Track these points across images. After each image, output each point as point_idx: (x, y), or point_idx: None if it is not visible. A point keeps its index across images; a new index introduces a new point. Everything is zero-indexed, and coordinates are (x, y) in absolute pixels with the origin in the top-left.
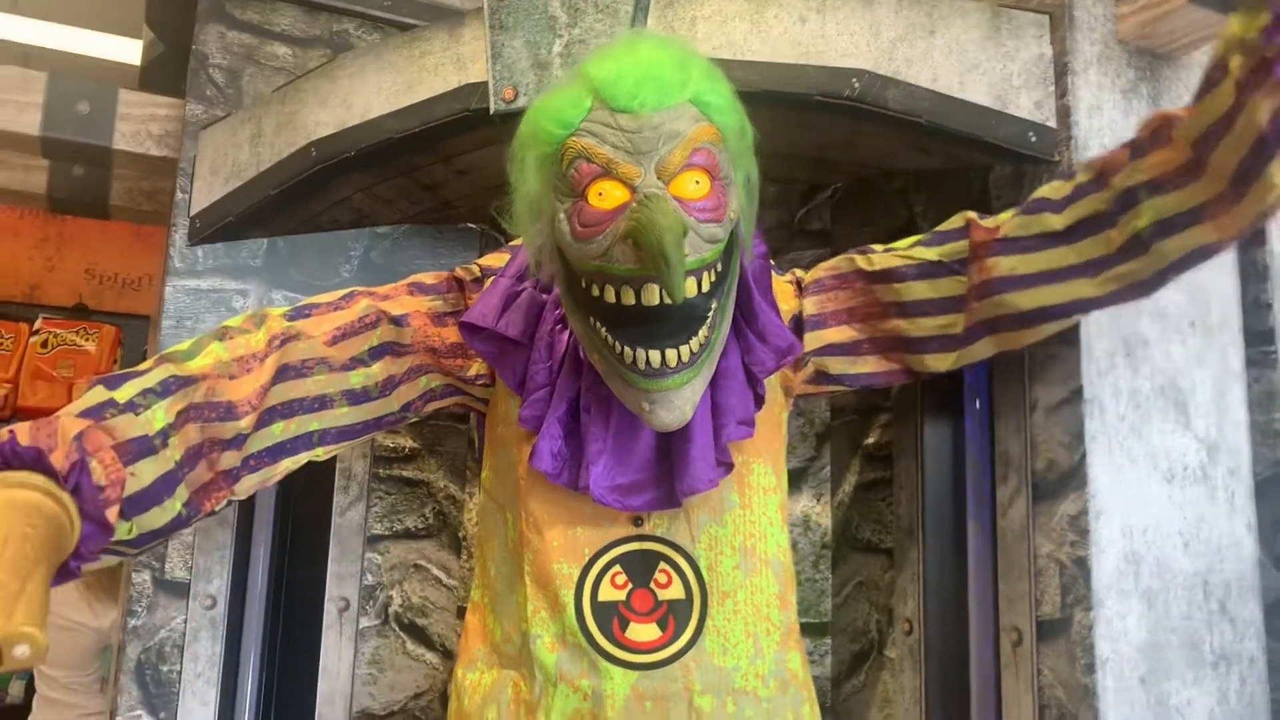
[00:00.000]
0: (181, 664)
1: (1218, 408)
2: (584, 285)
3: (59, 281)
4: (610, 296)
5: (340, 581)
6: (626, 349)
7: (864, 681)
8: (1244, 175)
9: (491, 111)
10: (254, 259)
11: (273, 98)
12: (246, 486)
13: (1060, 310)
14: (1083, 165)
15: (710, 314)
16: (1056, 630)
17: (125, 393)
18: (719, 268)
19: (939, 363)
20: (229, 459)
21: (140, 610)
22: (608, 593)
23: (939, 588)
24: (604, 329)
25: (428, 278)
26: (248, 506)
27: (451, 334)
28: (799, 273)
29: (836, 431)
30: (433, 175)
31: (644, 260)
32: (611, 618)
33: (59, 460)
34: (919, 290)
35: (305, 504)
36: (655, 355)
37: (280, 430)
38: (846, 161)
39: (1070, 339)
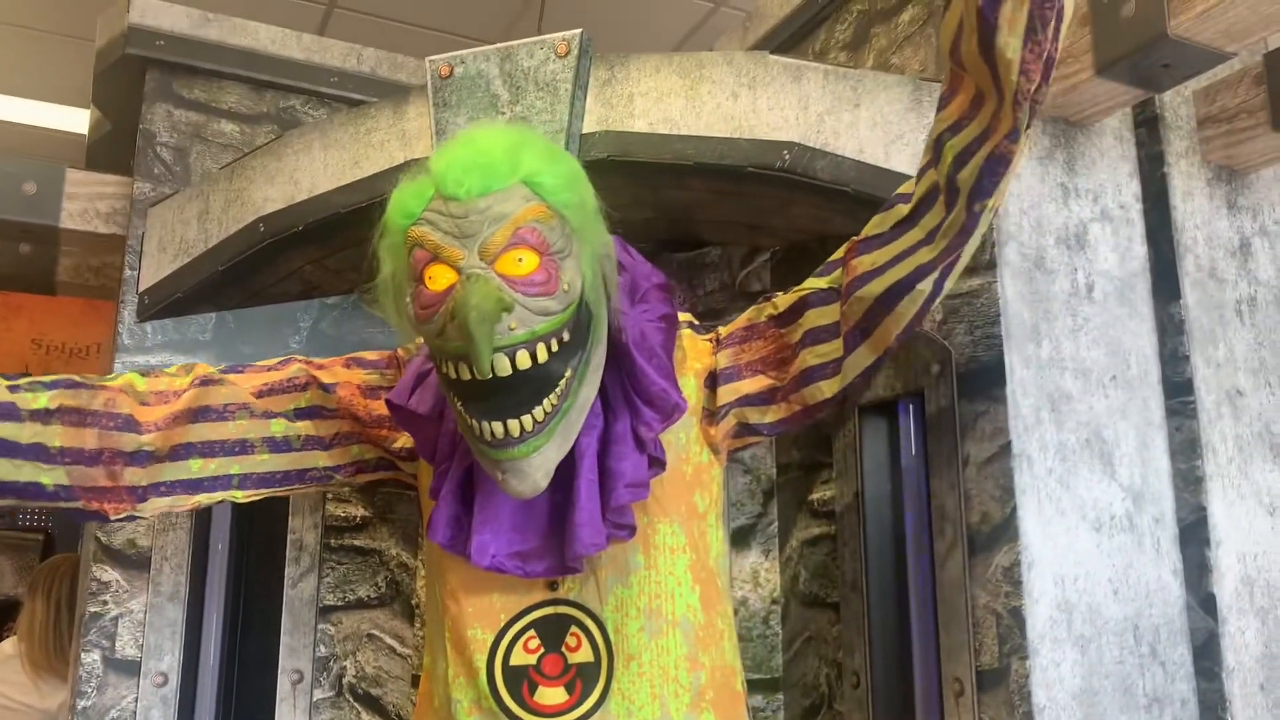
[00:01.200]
0: None
1: (1141, 458)
2: (437, 362)
3: (4, 352)
4: (453, 373)
5: (293, 653)
6: (474, 421)
7: None
8: (992, 71)
9: None
10: (203, 334)
11: (220, 175)
12: (154, 508)
13: (906, 283)
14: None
15: (562, 382)
16: (995, 680)
17: (17, 381)
18: (565, 337)
19: (830, 387)
20: (133, 475)
21: (90, 690)
22: (519, 657)
23: (884, 641)
24: (459, 402)
25: (369, 355)
26: (198, 581)
27: (380, 407)
28: (719, 330)
29: (782, 488)
30: None
31: (459, 337)
32: (522, 682)
33: None
34: (814, 318)
35: (256, 576)
36: (498, 426)
37: (198, 468)
38: (782, 227)
39: (998, 396)
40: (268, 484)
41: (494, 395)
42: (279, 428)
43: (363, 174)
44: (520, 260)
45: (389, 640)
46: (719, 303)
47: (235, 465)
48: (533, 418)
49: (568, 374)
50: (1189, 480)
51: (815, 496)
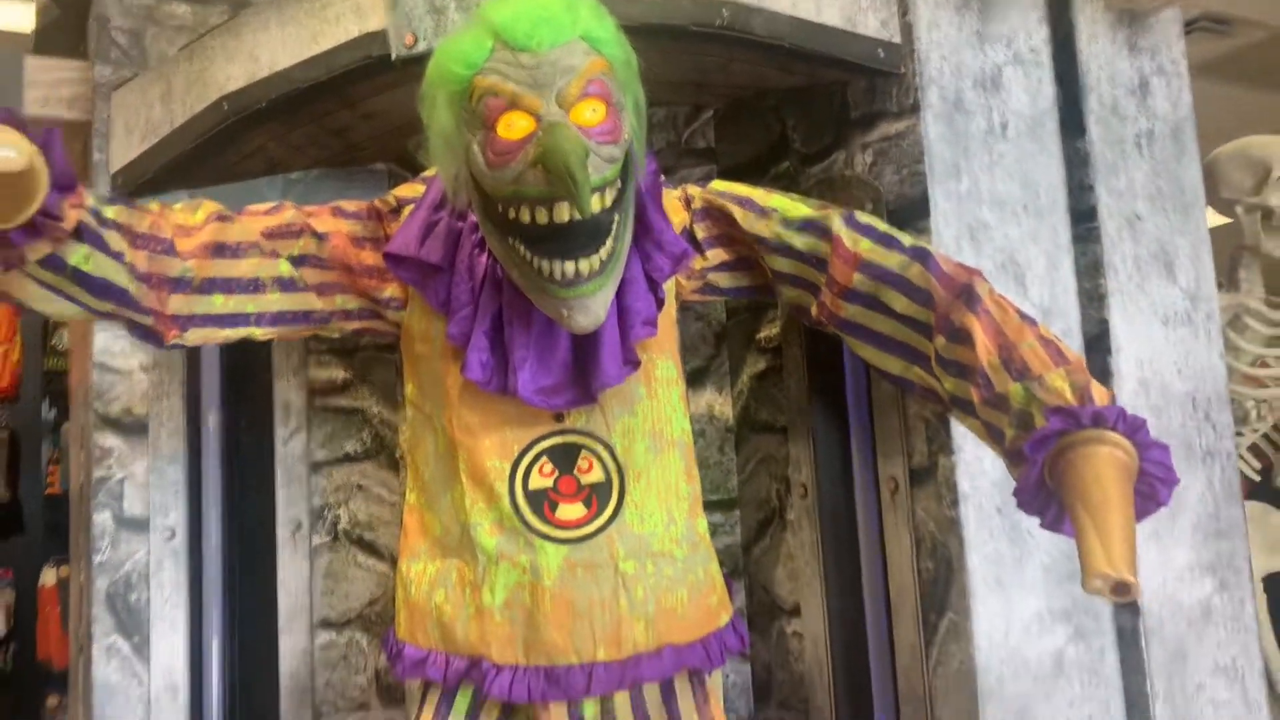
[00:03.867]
0: (149, 592)
1: (1050, 278)
2: (500, 209)
3: None
4: (525, 217)
5: (290, 505)
6: (544, 263)
7: (770, 544)
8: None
9: (393, 58)
10: None
11: (180, 56)
12: (195, 338)
13: (878, 371)
14: (922, 270)
15: (614, 226)
16: (926, 476)
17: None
18: (619, 185)
19: (800, 316)
20: (176, 303)
21: (104, 547)
22: (537, 481)
23: (827, 454)
24: (522, 247)
25: (349, 205)
26: (194, 444)
27: (368, 257)
28: (689, 190)
29: (732, 331)
30: (340, 121)
31: (553, 182)
32: (542, 502)
33: (30, 127)
34: (784, 265)
35: (249, 437)
36: (570, 266)
37: (220, 303)
38: (724, 84)
39: (923, 228)
40: (280, 322)
41: (565, 238)
42: (285, 268)
43: (320, 49)
44: (594, 111)
45: (378, 489)
46: (666, 160)
47: (250, 304)
48: (599, 258)
49: (618, 218)
50: (1093, 297)
51: (762, 335)
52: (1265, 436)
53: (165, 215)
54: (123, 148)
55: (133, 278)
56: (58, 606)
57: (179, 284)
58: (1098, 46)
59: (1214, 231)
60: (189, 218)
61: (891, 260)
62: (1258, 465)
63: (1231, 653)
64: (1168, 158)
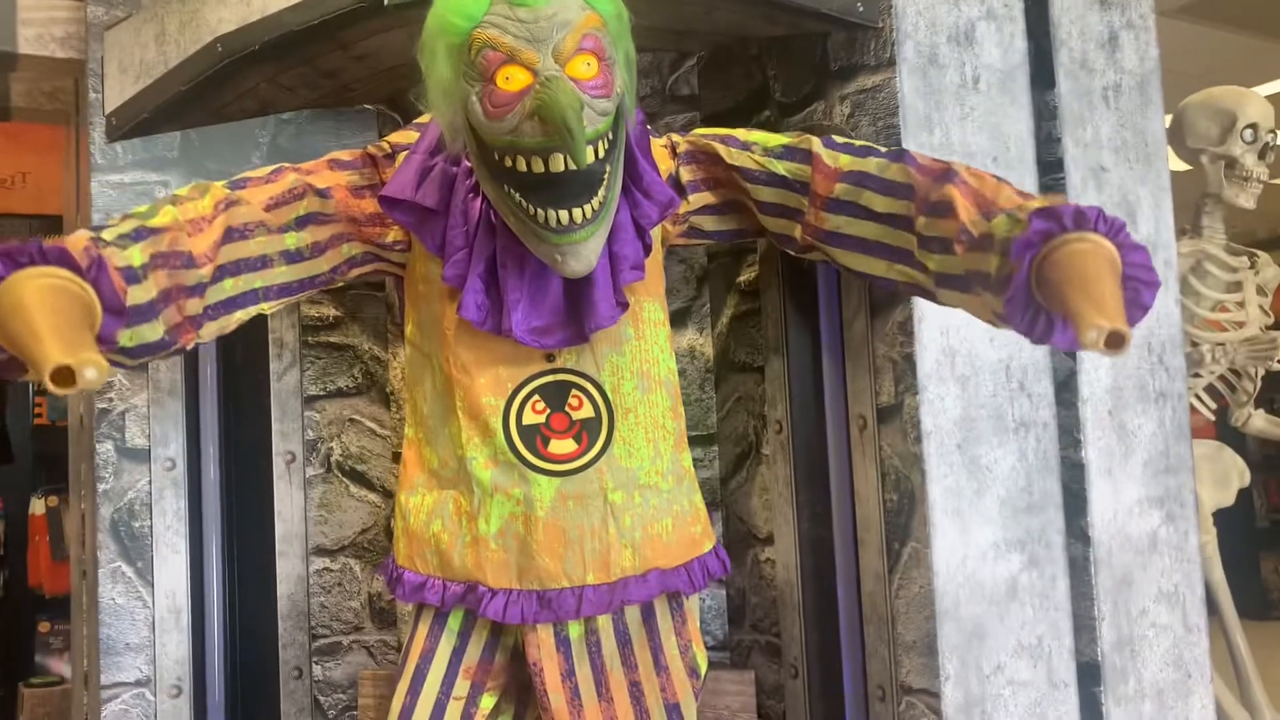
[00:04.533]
0: (151, 520)
1: None
2: (497, 158)
3: None
4: (522, 166)
5: (285, 438)
6: (539, 210)
7: (746, 477)
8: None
9: (385, 3)
10: (170, 151)
11: None
12: (208, 332)
13: (861, 275)
14: (901, 166)
15: (606, 176)
16: (892, 414)
17: (106, 235)
18: (610, 136)
19: (785, 245)
20: (192, 305)
21: (108, 476)
22: (530, 417)
23: (801, 393)
24: (517, 194)
25: (344, 155)
26: (192, 378)
27: (369, 205)
28: (674, 137)
29: (714, 274)
30: (331, 62)
31: (550, 134)
32: (535, 437)
33: (80, 258)
34: (767, 194)
35: (244, 373)
36: (564, 214)
37: (231, 286)
38: (706, 31)
39: None
40: (286, 293)
41: (560, 187)
42: (291, 240)
43: None
44: (588, 65)
45: (369, 423)
46: (651, 107)
47: (258, 280)
48: (591, 207)
49: (609, 169)
50: None
51: (742, 278)
52: (1221, 378)
53: (180, 220)
54: (116, 87)
55: (161, 318)
56: (47, 535)
57: (195, 290)
58: (1069, 1)
59: (1176, 177)
60: (198, 206)
61: (870, 165)
62: (1214, 405)
63: (1175, 580)
64: (1133, 110)
